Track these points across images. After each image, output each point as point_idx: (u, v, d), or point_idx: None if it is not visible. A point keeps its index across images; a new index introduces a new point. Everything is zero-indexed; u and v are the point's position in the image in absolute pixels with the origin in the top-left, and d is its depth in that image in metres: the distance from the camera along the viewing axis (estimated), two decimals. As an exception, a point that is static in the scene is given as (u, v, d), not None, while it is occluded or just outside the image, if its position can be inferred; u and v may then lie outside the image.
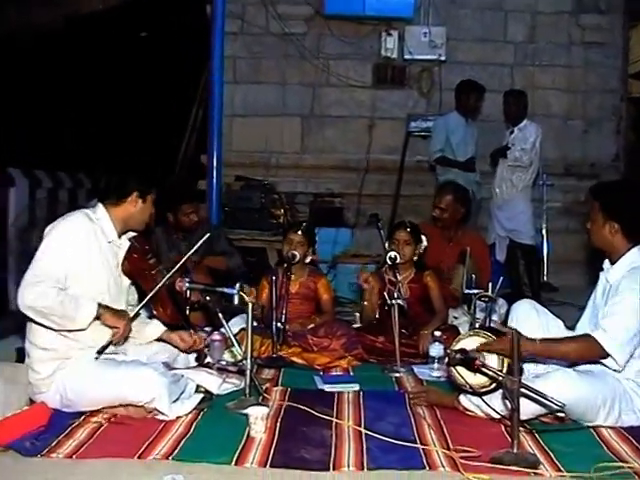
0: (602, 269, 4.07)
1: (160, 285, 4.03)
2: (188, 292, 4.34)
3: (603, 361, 3.77)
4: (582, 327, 4.06)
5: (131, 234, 4.16)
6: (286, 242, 5.56)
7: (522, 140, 7.51)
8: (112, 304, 3.97)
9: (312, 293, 5.65)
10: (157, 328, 4.24)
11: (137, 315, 4.11)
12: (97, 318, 3.79)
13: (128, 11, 9.77)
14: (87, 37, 10.16)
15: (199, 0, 9.29)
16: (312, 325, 5.42)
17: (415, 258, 5.61)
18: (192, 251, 4.29)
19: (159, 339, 4.28)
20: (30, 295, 3.64)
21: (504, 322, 4.79)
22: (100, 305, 3.79)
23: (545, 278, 8.13)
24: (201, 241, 4.29)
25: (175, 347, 4.34)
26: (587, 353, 3.78)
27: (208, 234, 4.38)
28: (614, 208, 3.91)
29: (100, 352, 3.81)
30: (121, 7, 9.68)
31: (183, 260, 4.20)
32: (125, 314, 3.93)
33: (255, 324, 4.58)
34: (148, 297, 4.05)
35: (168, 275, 4.08)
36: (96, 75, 10.76)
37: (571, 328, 4.16)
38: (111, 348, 3.99)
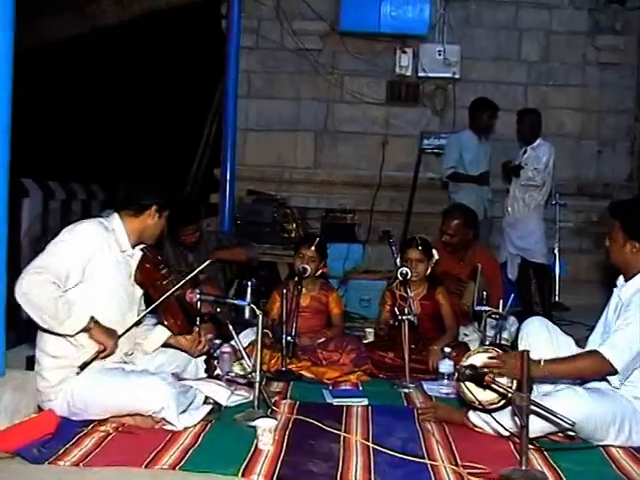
0: (615, 285, 4.06)
1: (167, 295, 4.02)
2: (199, 303, 4.33)
3: (607, 378, 3.77)
4: (592, 343, 4.04)
5: (143, 245, 4.17)
6: (298, 256, 5.57)
7: (535, 160, 7.49)
8: (123, 314, 3.99)
9: (323, 307, 5.66)
10: (162, 333, 4.22)
11: (140, 321, 4.12)
12: (86, 331, 3.75)
13: (144, 25, 9.83)
14: (104, 51, 10.24)
15: (215, 15, 9.35)
16: (322, 339, 5.42)
17: (428, 272, 5.61)
18: (198, 270, 4.28)
19: (166, 345, 4.27)
20: (28, 283, 3.60)
21: (514, 340, 4.76)
22: (92, 319, 3.76)
23: (557, 298, 8.09)
24: (205, 264, 4.29)
25: (183, 351, 4.34)
26: (593, 369, 3.76)
27: (208, 261, 4.38)
28: (635, 227, 3.90)
29: (83, 367, 3.76)
30: (136, 21, 9.75)
31: (190, 276, 4.20)
32: (114, 333, 3.88)
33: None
34: (153, 305, 4.05)
35: (175, 288, 4.06)
36: (112, 89, 10.84)
37: (581, 345, 4.14)
38: (121, 357, 4.01)
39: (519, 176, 7.54)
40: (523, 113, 7.81)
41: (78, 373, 3.77)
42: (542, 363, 3.70)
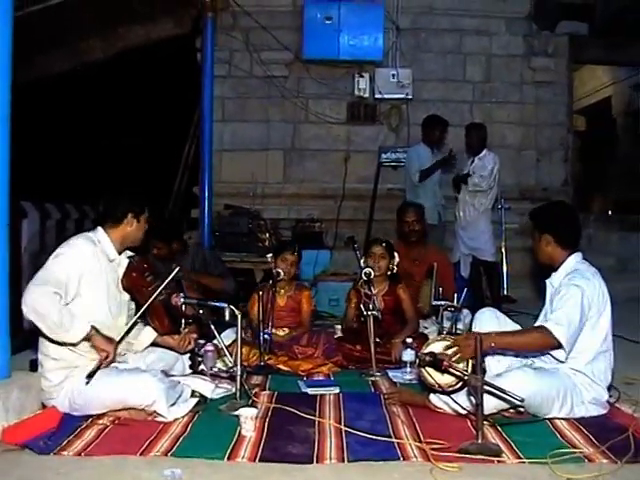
0: (547, 277, 4.15)
1: (151, 299, 4.01)
2: (183, 306, 4.33)
3: (552, 352, 3.83)
4: None
5: (130, 253, 4.17)
6: (281, 260, 5.59)
7: (481, 168, 7.54)
8: (114, 319, 3.99)
9: (298, 306, 5.69)
10: (151, 334, 4.23)
11: (135, 324, 4.11)
12: (87, 339, 3.74)
13: (127, 59, 9.81)
14: (92, 84, 10.21)
15: (190, 48, 9.37)
16: (293, 334, 5.46)
17: (389, 272, 5.63)
18: (171, 277, 4.23)
19: (154, 344, 4.27)
20: (33, 294, 3.59)
21: (469, 330, 4.81)
22: (93, 327, 3.74)
23: (505, 291, 8.16)
24: (173, 273, 4.23)
25: (169, 349, 4.35)
26: (540, 342, 3.81)
27: (177, 268, 4.35)
28: (545, 222, 4.08)
29: (90, 376, 3.73)
30: (120, 56, 9.72)
31: (166, 282, 4.13)
32: (113, 340, 3.87)
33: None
34: (143, 309, 4.04)
35: (157, 292, 4.04)
36: (101, 117, 10.80)
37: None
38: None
39: (467, 183, 7.60)
40: (471, 128, 7.84)
41: (87, 383, 3.74)
42: (494, 334, 3.77)
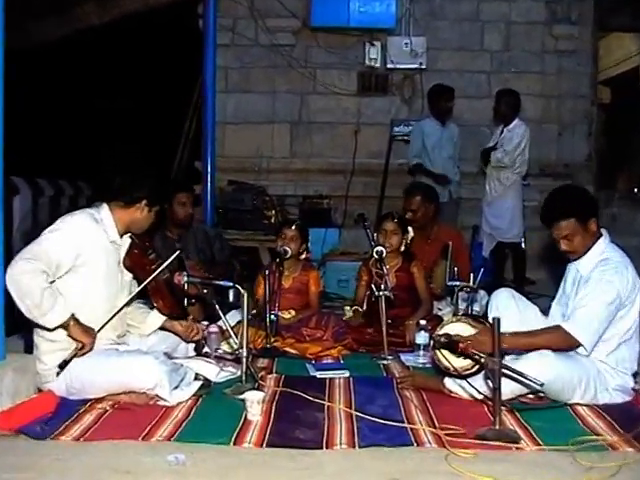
0: (569, 260, 4.11)
1: (152, 277, 4.02)
2: (186, 285, 4.35)
3: None
4: (553, 314, 4.14)
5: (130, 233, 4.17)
6: (280, 237, 5.58)
7: (508, 141, 7.45)
8: (113, 299, 4.00)
9: (304, 287, 5.66)
10: (158, 318, 4.25)
11: (129, 303, 4.12)
12: (64, 327, 3.74)
13: (125, 27, 9.77)
14: (88, 52, 10.18)
15: (192, 14, 9.33)
16: (300, 317, 5.46)
17: (402, 248, 5.63)
18: (174, 257, 4.25)
19: (162, 329, 4.29)
20: (20, 268, 3.60)
21: (485, 312, 4.82)
22: (72, 317, 3.73)
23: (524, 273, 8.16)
24: (177, 253, 4.30)
25: (176, 335, 4.37)
26: (557, 344, 3.79)
27: (178, 251, 4.38)
28: (586, 208, 3.98)
29: (62, 366, 3.74)
30: (117, 23, 9.69)
31: (171, 259, 4.17)
32: (92, 330, 3.84)
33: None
34: (140, 287, 4.07)
35: (159, 269, 4.07)
36: (97, 88, 10.78)
37: (545, 313, 4.21)
38: (113, 339, 4.02)
39: (489, 158, 7.54)
40: (500, 94, 7.74)
41: (58, 373, 3.76)
42: (507, 335, 3.67)
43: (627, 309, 3.87)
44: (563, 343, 3.78)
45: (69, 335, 3.77)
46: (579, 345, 3.75)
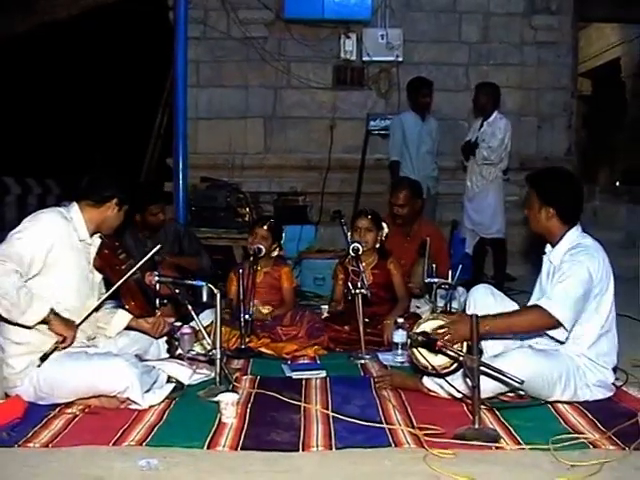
0: (544, 253, 4.17)
1: (125, 278, 4.02)
2: (157, 285, 4.35)
3: (550, 332, 3.85)
4: None
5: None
6: (251, 235, 5.61)
7: (491, 136, 7.47)
8: (84, 300, 3.99)
9: (276, 282, 5.68)
10: (124, 317, 4.23)
11: (101, 306, 4.12)
12: (45, 322, 3.74)
13: (93, 19, 9.74)
14: (54, 46, 10.13)
15: (162, 6, 9.30)
16: (275, 313, 5.48)
17: (377, 245, 5.65)
18: (150, 255, 4.26)
19: (128, 328, 4.28)
20: None
21: (464, 309, 4.84)
22: (52, 311, 3.74)
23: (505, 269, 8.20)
24: (153, 251, 4.27)
25: (145, 333, 4.36)
26: (536, 322, 3.82)
27: (159, 246, 4.37)
28: (549, 194, 4.03)
29: (43, 359, 3.75)
30: (85, 15, 9.65)
31: (144, 260, 4.18)
32: (73, 323, 3.86)
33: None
34: (112, 289, 4.06)
35: (133, 270, 4.07)
36: (64, 82, 10.72)
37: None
38: (83, 342, 4.01)
39: (475, 155, 7.55)
40: (479, 86, 7.78)
41: (39, 365, 3.76)
42: (487, 318, 3.74)
43: (599, 298, 3.91)
44: (541, 321, 3.78)
45: (50, 329, 3.77)
46: (558, 324, 3.75)
